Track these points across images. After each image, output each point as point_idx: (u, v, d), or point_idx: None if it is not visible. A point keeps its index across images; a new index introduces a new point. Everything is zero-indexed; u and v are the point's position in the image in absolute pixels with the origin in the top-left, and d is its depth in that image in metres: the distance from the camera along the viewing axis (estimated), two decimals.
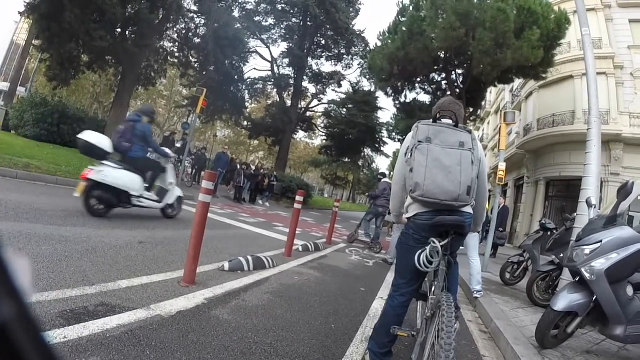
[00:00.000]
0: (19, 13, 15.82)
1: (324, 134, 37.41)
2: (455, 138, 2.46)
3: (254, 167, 19.76)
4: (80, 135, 6.05)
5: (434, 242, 2.35)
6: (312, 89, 34.57)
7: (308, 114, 35.48)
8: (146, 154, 6.91)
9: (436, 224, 2.35)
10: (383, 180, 10.43)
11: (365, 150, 35.94)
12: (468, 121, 20.95)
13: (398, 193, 2.72)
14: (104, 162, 6.06)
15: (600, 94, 6.26)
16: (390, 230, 15.56)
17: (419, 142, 2.43)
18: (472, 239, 5.70)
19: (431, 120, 2.63)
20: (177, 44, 22.42)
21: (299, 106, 32.95)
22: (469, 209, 2.48)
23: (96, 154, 6.04)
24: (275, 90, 33.34)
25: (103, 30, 14.18)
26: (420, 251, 2.41)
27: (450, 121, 2.63)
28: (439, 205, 2.37)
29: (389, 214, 8.72)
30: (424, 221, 2.44)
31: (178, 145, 17.63)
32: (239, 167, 18.00)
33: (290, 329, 3.20)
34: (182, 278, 3.77)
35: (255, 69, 48.52)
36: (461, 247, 2.87)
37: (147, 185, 6.89)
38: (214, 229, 7.41)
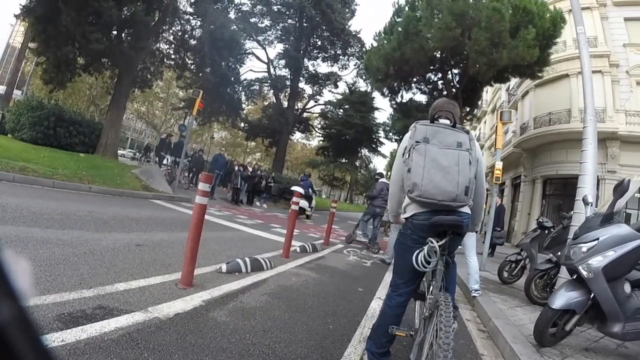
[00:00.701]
0: (15, 16, 15.78)
1: (320, 135, 37.44)
2: (453, 138, 2.47)
3: (250, 169, 19.74)
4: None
5: (431, 242, 2.34)
6: (308, 89, 34.67)
7: (305, 115, 35.48)
8: (309, 193, 15.31)
9: (434, 224, 2.35)
10: (380, 180, 10.44)
11: (362, 150, 35.98)
12: (464, 120, 20.95)
13: (396, 193, 2.72)
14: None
15: (596, 92, 6.29)
16: (387, 231, 15.67)
17: (417, 142, 2.44)
18: (470, 239, 5.70)
19: (429, 120, 2.64)
20: (173, 45, 22.33)
21: (296, 107, 32.92)
22: (466, 209, 2.49)
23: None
24: (272, 91, 33.31)
25: (99, 32, 14.11)
26: (418, 251, 2.41)
27: (447, 121, 2.64)
28: (436, 206, 2.38)
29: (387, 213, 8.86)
30: (421, 221, 2.45)
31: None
32: (236, 168, 17.97)
33: (288, 330, 3.20)
34: (180, 280, 3.77)
35: (251, 70, 48.49)
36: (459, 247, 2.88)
37: (309, 205, 15.68)
38: (211, 231, 7.41)
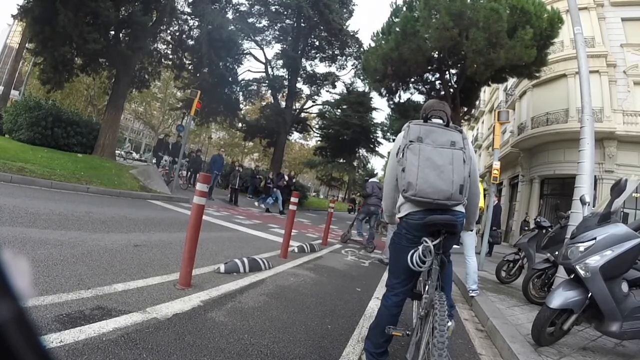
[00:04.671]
0: (12, 16, 15.71)
1: (318, 135, 37.39)
2: (446, 137, 2.48)
3: (286, 178, 19.59)
4: None
5: (426, 242, 2.35)
6: (306, 90, 34.59)
7: (302, 115, 35.46)
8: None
9: (427, 223, 2.36)
10: (370, 180, 10.69)
11: (360, 150, 35.93)
12: (462, 120, 20.97)
13: (390, 193, 2.74)
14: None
15: (593, 92, 6.30)
16: (384, 230, 15.89)
17: (410, 141, 2.45)
18: (469, 238, 5.70)
19: (422, 120, 2.65)
20: (170, 46, 22.31)
21: (294, 107, 32.90)
22: (461, 208, 2.49)
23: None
24: (270, 91, 33.31)
25: (96, 33, 14.08)
26: (412, 251, 2.41)
27: (440, 121, 2.65)
28: (431, 205, 2.38)
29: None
30: (416, 220, 2.45)
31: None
32: (236, 169, 17.93)
33: (286, 330, 3.21)
34: (178, 280, 3.77)
35: (249, 70, 48.63)
36: (456, 246, 2.88)
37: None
38: (210, 231, 7.41)
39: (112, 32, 15.87)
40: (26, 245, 3.86)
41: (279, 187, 17.60)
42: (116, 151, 19.93)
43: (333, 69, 33.73)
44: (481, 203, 5.45)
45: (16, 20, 18.62)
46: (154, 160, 19.08)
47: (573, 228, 4.21)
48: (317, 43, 32.15)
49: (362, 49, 28.15)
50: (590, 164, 5.45)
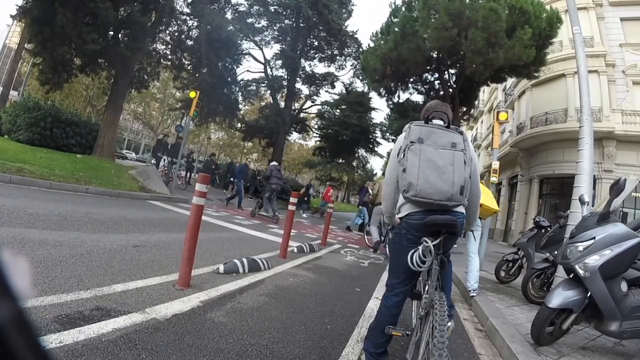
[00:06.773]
0: (11, 16, 15.70)
1: (317, 135, 37.40)
2: (447, 139, 2.49)
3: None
4: None
5: (426, 242, 2.35)
6: (305, 90, 34.49)
7: (302, 115, 35.41)
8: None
9: (428, 223, 2.36)
10: (271, 164, 13.69)
11: (359, 150, 35.95)
12: (461, 120, 20.98)
13: (390, 194, 2.73)
14: None
15: (592, 91, 6.29)
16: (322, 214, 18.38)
17: (411, 142, 2.45)
18: (475, 237, 5.67)
19: (423, 121, 2.65)
20: (169, 46, 22.29)
21: (293, 107, 32.85)
22: (461, 209, 2.50)
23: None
24: (269, 92, 33.23)
25: (95, 33, 14.06)
26: (412, 251, 2.41)
27: (441, 122, 2.66)
28: (432, 205, 2.38)
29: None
30: (416, 221, 2.45)
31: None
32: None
33: (285, 331, 3.20)
34: (177, 281, 3.76)
35: (248, 70, 48.50)
36: (455, 246, 2.88)
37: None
38: (209, 232, 7.40)
39: (111, 33, 15.87)
40: (25, 245, 3.85)
41: (365, 203, 15.08)
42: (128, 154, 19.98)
43: (332, 69, 33.69)
44: (496, 206, 5.45)
45: (15, 21, 18.60)
46: (153, 161, 19.07)
47: (572, 228, 4.21)
48: (316, 43, 32.08)
49: (361, 49, 28.08)
50: (589, 164, 5.44)
